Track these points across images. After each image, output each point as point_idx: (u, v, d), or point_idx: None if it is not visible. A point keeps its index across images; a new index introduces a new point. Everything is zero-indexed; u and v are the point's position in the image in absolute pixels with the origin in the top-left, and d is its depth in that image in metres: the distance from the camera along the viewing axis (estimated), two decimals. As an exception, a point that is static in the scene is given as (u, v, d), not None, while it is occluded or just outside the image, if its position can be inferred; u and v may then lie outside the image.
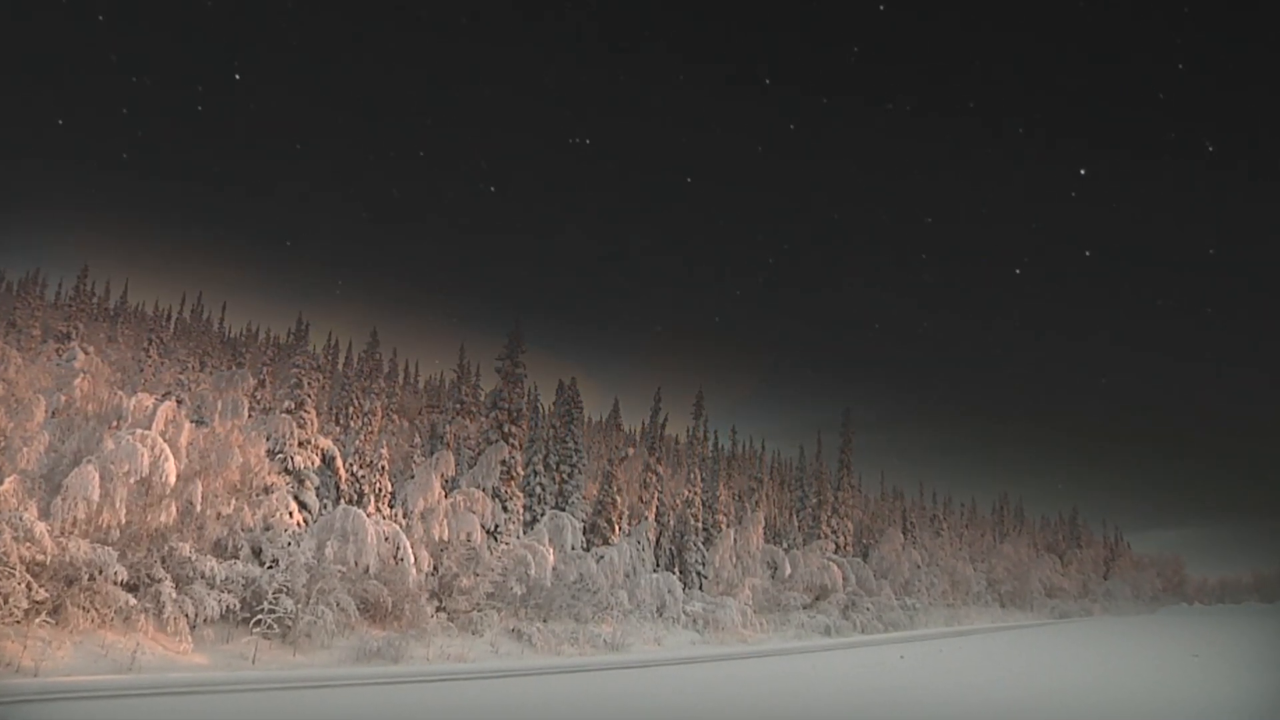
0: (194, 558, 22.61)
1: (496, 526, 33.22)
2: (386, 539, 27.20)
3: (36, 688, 16.54)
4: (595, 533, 40.91)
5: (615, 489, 42.14)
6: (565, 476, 41.91)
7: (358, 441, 34.79)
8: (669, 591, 37.60)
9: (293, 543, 25.32)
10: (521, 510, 37.05)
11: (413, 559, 27.23)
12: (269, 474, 27.02)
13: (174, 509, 23.00)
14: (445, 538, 29.78)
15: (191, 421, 26.38)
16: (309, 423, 31.31)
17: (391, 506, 31.70)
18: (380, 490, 31.89)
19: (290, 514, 26.76)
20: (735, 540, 46.22)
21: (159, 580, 21.72)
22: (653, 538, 42.27)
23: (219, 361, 48.79)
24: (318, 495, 30.84)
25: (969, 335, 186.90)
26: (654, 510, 45.49)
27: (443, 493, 31.29)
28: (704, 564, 44.41)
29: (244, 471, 26.20)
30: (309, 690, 19.08)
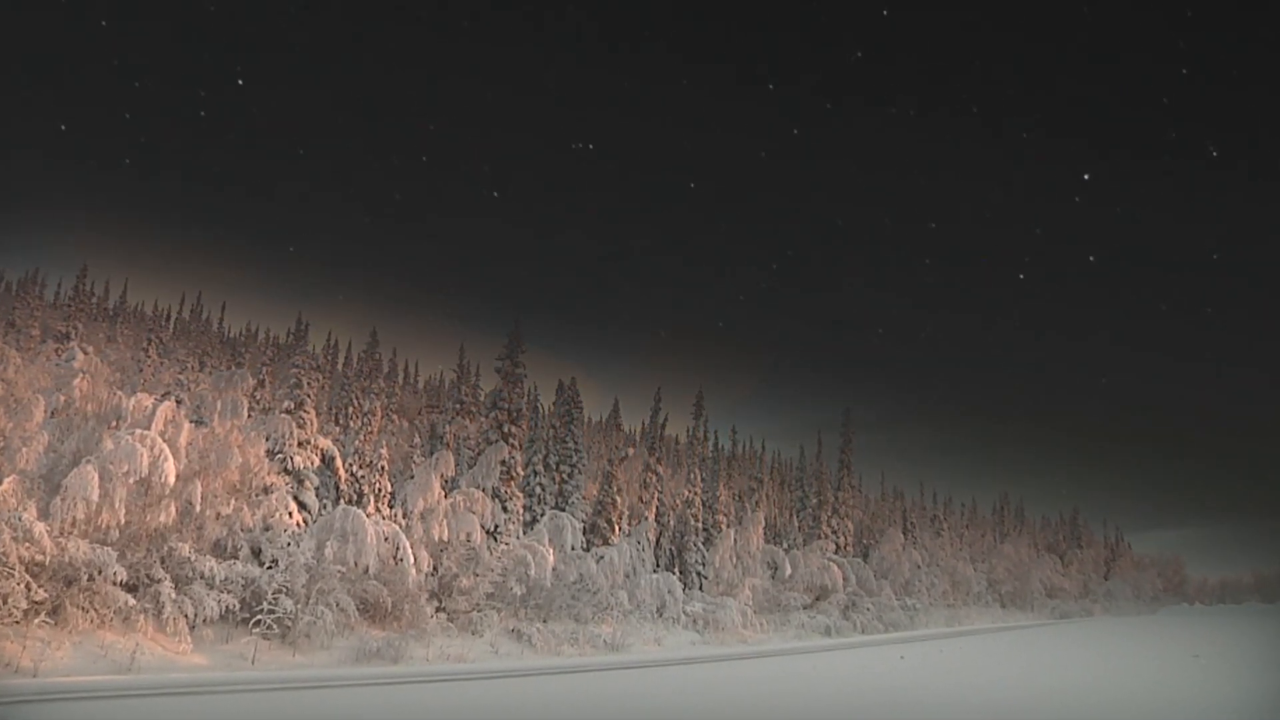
0: (193, 558, 22.58)
1: (496, 527, 33.19)
2: (386, 539, 27.17)
3: (35, 688, 16.51)
4: (595, 533, 40.88)
5: (615, 489, 42.12)
6: (565, 477, 41.88)
7: (357, 442, 34.77)
8: (669, 592, 37.58)
9: (292, 543, 25.30)
10: (521, 510, 37.02)
11: (412, 559, 27.20)
12: (268, 474, 27.00)
13: (173, 509, 22.98)
14: (445, 538, 29.75)
15: (191, 421, 26.36)
16: (308, 423, 31.29)
17: (391, 507, 31.67)
18: (380, 490, 31.86)
19: (290, 514, 26.74)
20: (735, 540, 46.20)
21: (158, 580, 21.70)
22: (653, 538, 42.24)
23: (218, 361, 48.76)
24: (317, 495, 30.81)
25: (969, 335, 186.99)
26: (654, 510, 45.46)
27: (442, 493, 31.27)
28: (704, 564, 44.38)
29: (243, 472, 26.18)
30: (308, 691, 19.06)
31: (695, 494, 46.28)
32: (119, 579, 20.59)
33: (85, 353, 38.49)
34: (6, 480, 20.26)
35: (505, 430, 37.88)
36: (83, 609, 20.08)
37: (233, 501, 25.19)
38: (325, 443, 32.37)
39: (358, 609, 25.64)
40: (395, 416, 49.31)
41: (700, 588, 43.47)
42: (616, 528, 41.62)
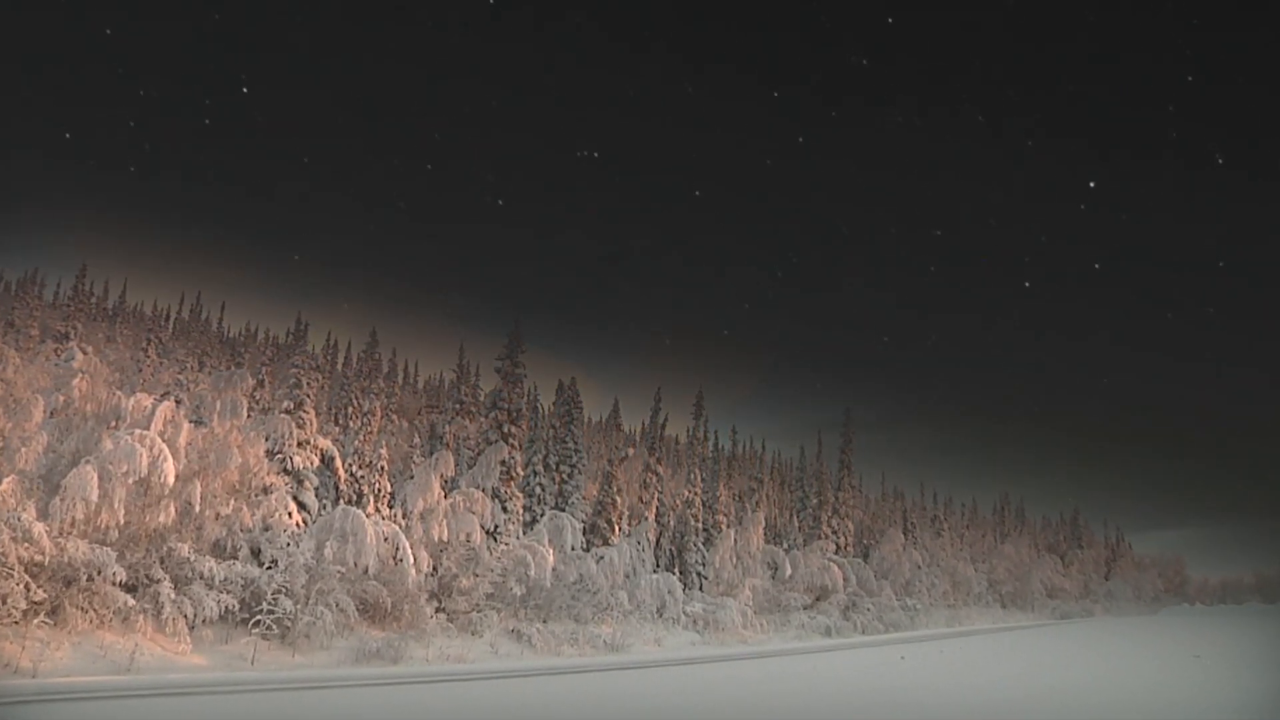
0: (193, 558, 22.55)
1: (496, 527, 33.16)
2: (386, 539, 27.15)
3: (35, 688, 16.50)
4: (595, 533, 40.85)
5: (615, 489, 42.09)
6: (565, 477, 41.85)
7: (357, 442, 34.74)
8: (669, 592, 37.54)
9: (292, 543, 25.27)
10: (521, 511, 37.00)
11: (412, 559, 27.17)
12: (268, 474, 26.97)
13: (173, 509, 22.95)
14: (445, 538, 29.72)
15: (190, 422, 26.33)
16: (308, 423, 31.26)
17: (391, 507, 31.64)
18: (379, 491, 31.83)
19: (289, 514, 26.71)
20: (735, 541, 46.17)
21: (158, 581, 21.66)
22: (653, 538, 42.21)
23: (218, 361, 48.74)
24: (317, 496, 30.78)
25: (970, 335, 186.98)
26: (654, 511, 45.43)
27: (442, 493, 31.23)
28: (704, 564, 44.35)
29: (243, 472, 26.15)
30: (308, 691, 19.03)
31: (695, 494, 46.25)
32: (118, 579, 20.56)
33: (84, 353, 38.47)
34: (6, 480, 20.23)
35: (505, 430, 37.85)
36: (82, 609, 20.05)
37: (232, 502, 25.17)
38: (325, 443, 32.35)
39: (357, 609, 25.61)
40: (395, 416, 49.29)
41: (700, 588, 43.44)
42: (616, 528, 41.59)
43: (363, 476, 32.68)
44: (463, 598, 29.50)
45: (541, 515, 37.46)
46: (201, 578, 22.54)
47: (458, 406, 42.53)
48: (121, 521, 21.77)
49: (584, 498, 43.63)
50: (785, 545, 54.14)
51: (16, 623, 18.51)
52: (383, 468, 32.39)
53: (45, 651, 18.48)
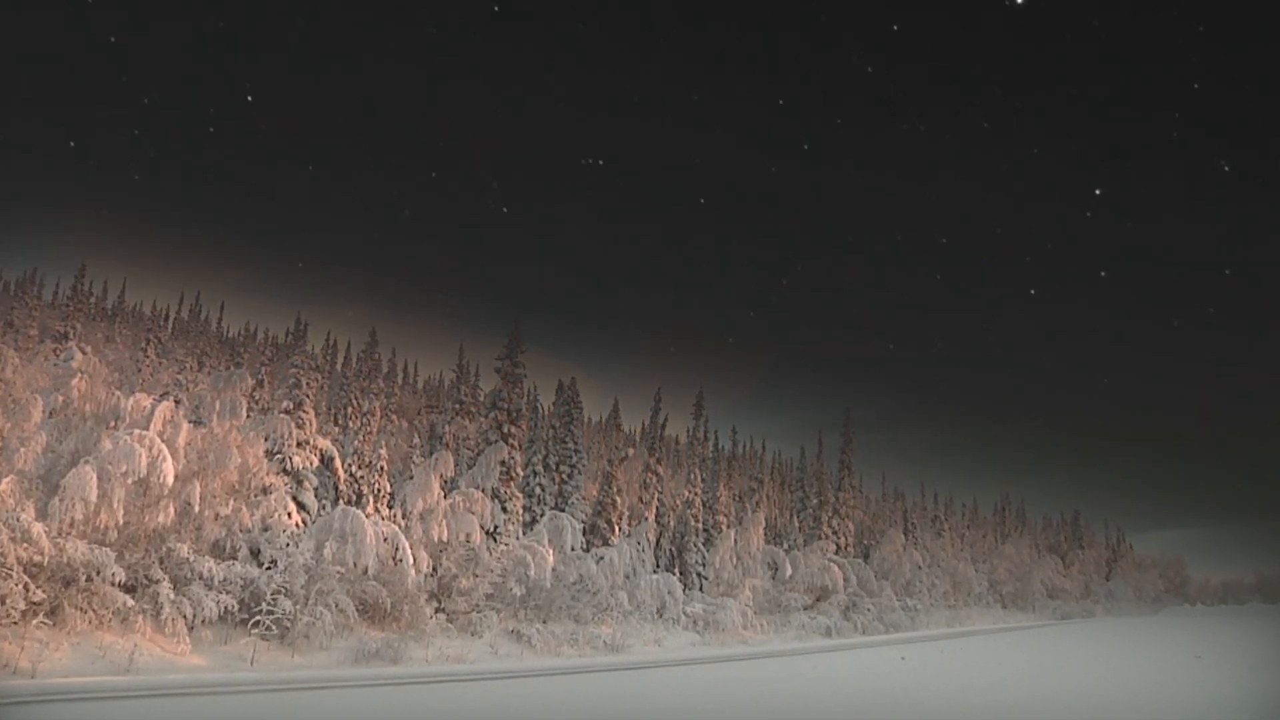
0: (192, 559, 22.52)
1: (496, 527, 33.12)
2: (385, 540, 27.11)
3: (34, 689, 16.46)
4: (595, 534, 40.81)
5: (615, 490, 42.06)
6: (565, 477, 41.81)
7: (356, 442, 34.72)
8: (669, 592, 37.50)
9: (291, 544, 25.23)
10: (521, 511, 36.96)
11: (411, 560, 27.13)
12: (267, 474, 26.93)
13: (172, 510, 22.92)
14: (444, 538, 29.68)
15: (189, 422, 26.30)
16: (307, 423, 31.23)
17: (390, 507, 31.61)
18: (379, 491, 31.80)
19: (289, 515, 26.67)
20: (736, 541, 46.13)
21: (157, 581, 21.63)
22: (653, 538, 42.17)
23: (217, 361, 48.72)
24: (316, 496, 30.75)
25: (970, 336, 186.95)
26: (654, 511, 45.39)
27: (442, 493, 31.19)
28: (704, 565, 44.31)
29: (242, 472, 26.11)
30: (307, 692, 18.99)
31: (695, 494, 46.21)
32: (117, 580, 20.52)
33: (83, 353, 38.43)
34: (4, 480, 20.20)
35: (505, 430, 37.81)
36: (81, 610, 20.02)
37: (231, 502, 25.13)
38: (324, 443, 32.32)
39: (357, 610, 25.57)
40: (394, 417, 49.27)
41: (700, 588, 43.40)
42: (616, 528, 41.55)
43: (362, 477, 32.65)
44: (462, 598, 29.47)
45: (541, 515, 37.42)
46: (201, 578, 22.51)
47: (457, 406, 42.50)
48: (120, 522, 21.74)
49: (584, 498, 43.59)
50: (785, 545, 54.10)
51: (15, 623, 18.48)
52: (382, 468, 32.36)
53: (44, 652, 18.45)
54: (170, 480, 22.55)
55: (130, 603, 20.63)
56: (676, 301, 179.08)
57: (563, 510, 38.87)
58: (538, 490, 39.76)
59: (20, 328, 45.67)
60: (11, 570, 18.64)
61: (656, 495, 45.88)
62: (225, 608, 22.50)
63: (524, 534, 35.34)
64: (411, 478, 32.56)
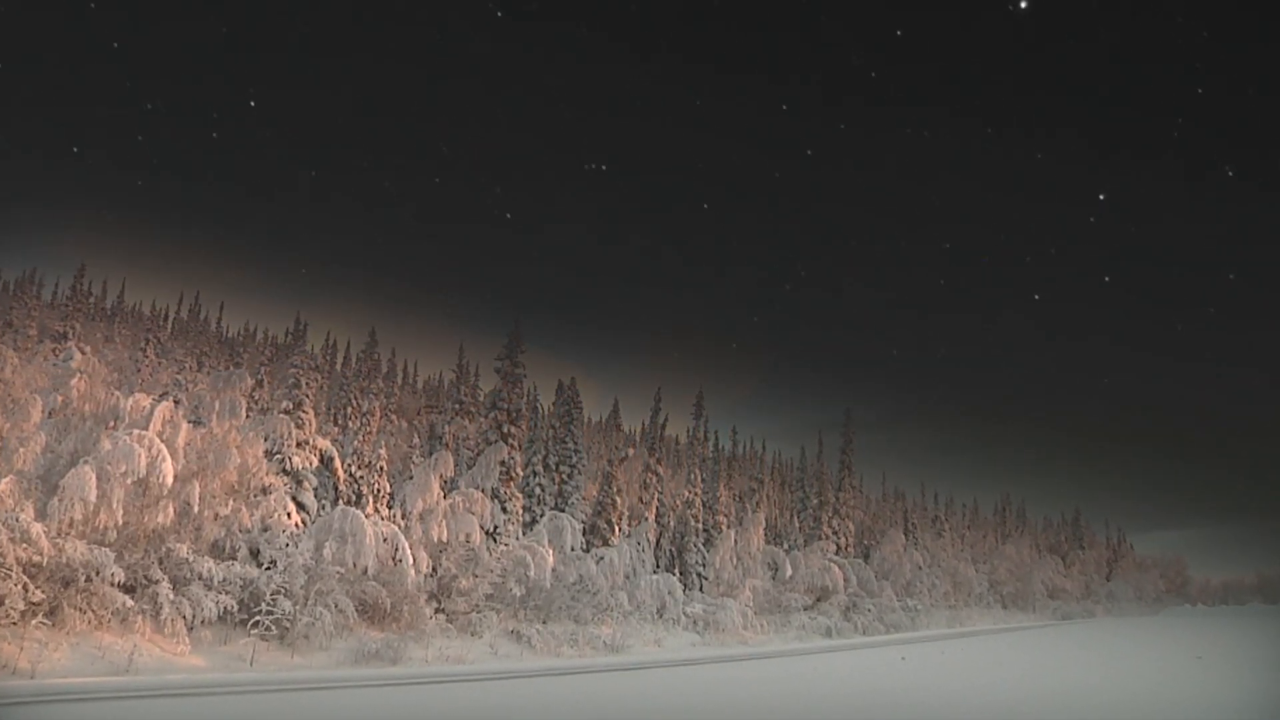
0: (191, 559, 22.49)
1: (495, 527, 33.08)
2: (385, 540, 27.07)
3: (33, 689, 16.43)
4: (595, 534, 40.78)
5: (615, 490, 42.01)
6: (565, 477, 41.78)
7: (356, 442, 34.69)
8: (669, 593, 37.46)
9: (291, 544, 25.20)
10: (521, 511, 36.92)
11: (411, 560, 27.10)
12: (267, 475, 26.89)
13: (171, 510, 22.88)
14: (444, 539, 29.64)
15: (189, 422, 26.26)
16: (307, 423, 31.19)
17: (390, 507, 31.58)
18: (379, 491, 31.77)
19: (288, 515, 26.64)
20: (736, 541, 46.09)
21: (156, 581, 21.60)
22: (653, 539, 42.13)
23: (216, 361, 48.69)
24: (316, 496, 30.71)
25: (970, 336, 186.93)
26: (654, 511, 45.35)
27: (441, 493, 31.16)
28: (704, 565, 44.27)
29: (242, 472, 26.07)
30: (307, 692, 18.96)
31: (695, 494, 46.17)
32: (117, 580, 20.49)
33: (83, 353, 38.39)
34: (3, 481, 20.17)
35: (505, 430, 37.78)
36: (80, 610, 19.99)
37: (231, 502, 25.09)
38: (324, 443, 32.28)
39: (356, 610, 25.54)
40: (394, 417, 49.23)
41: (700, 589, 43.36)
42: (616, 529, 41.51)
43: (362, 477, 32.62)
44: (462, 598, 29.43)
45: (541, 516, 37.38)
46: (200, 578, 22.48)
47: (457, 407, 42.47)
48: (120, 522, 21.70)
49: (584, 498, 43.56)
50: (786, 546, 54.06)
51: (15, 623, 18.45)
52: (382, 468, 32.32)
53: (43, 652, 18.42)
54: (169, 480, 22.51)
55: (129, 603, 20.60)
56: (677, 301, 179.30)
57: (563, 510, 38.84)
58: (538, 490, 39.72)
59: (19, 327, 45.65)
60: (11, 570, 18.61)
61: (656, 495, 45.84)
62: (225, 608, 22.47)
63: (524, 534, 35.30)
64: (411, 478, 32.53)
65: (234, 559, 24.20)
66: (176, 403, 27.65)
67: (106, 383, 33.17)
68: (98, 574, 20.26)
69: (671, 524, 45.62)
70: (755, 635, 40.77)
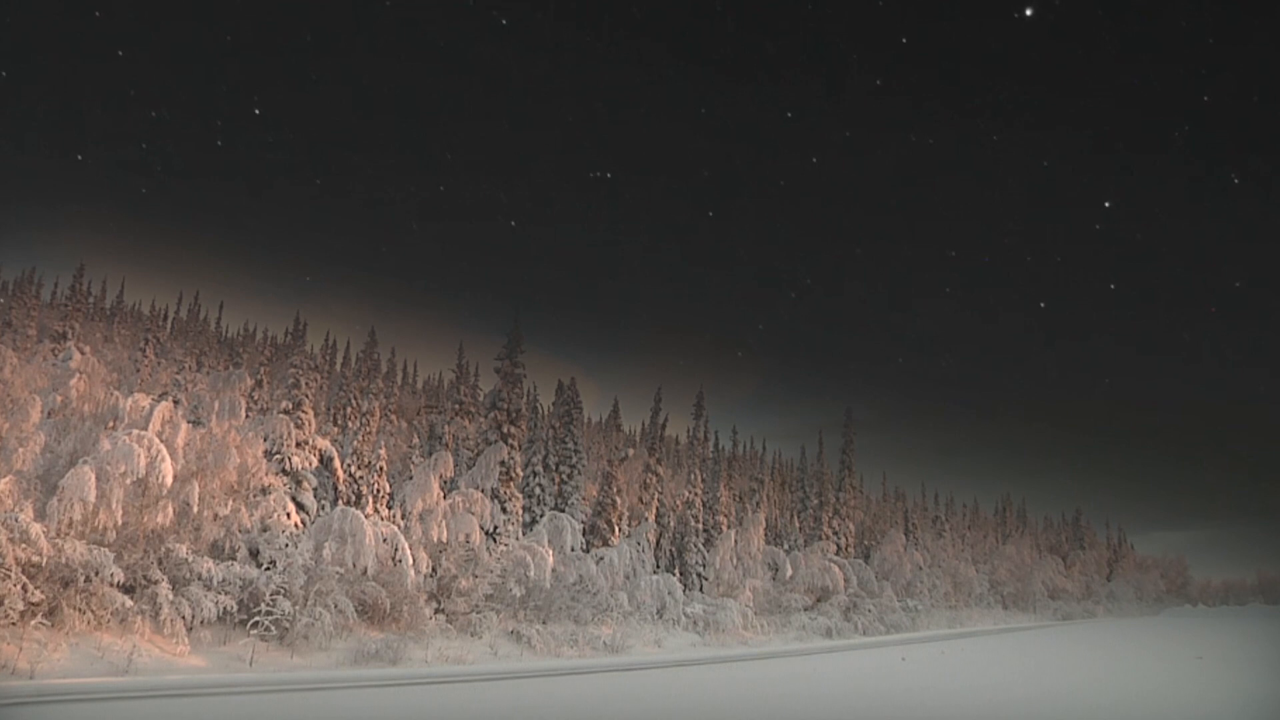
0: (191, 559, 22.46)
1: (495, 528, 33.05)
2: (384, 540, 27.04)
3: (33, 690, 16.40)
4: (595, 534, 40.75)
5: (615, 490, 41.98)
6: (565, 477, 41.74)
7: (356, 442, 34.65)
8: (669, 593, 37.43)
9: (290, 544, 25.17)
10: (520, 511, 36.88)
11: (411, 560, 27.06)
12: (266, 475, 26.87)
13: (170, 510, 22.85)
14: (444, 539, 29.61)
15: (188, 422, 26.24)
16: (306, 423, 31.17)
17: (390, 508, 31.55)
18: (378, 491, 31.73)
19: (288, 515, 26.62)
20: (736, 541, 46.05)
21: (155, 582, 21.57)
22: (653, 539, 42.10)
23: (216, 361, 48.68)
24: (315, 496, 30.70)
25: (972, 336, 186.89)
26: (654, 511, 45.31)
27: (441, 494, 31.13)
28: (704, 565, 44.23)
29: (241, 472, 26.04)
30: (306, 692, 18.92)
31: (696, 495, 46.13)
32: (116, 580, 20.46)
33: (82, 353, 38.36)
34: (3, 481, 20.15)
35: (504, 431, 37.75)
36: (80, 610, 19.96)
37: (230, 502, 25.07)
38: (323, 443, 32.26)
39: (356, 610, 25.51)
40: (394, 417, 49.18)
41: (701, 589, 43.32)
42: (616, 529, 41.48)
43: (361, 477, 32.59)
44: (462, 599, 29.40)
45: (541, 516, 37.35)
46: (200, 579, 22.45)
47: (457, 407, 42.44)
48: (119, 522, 21.67)
49: (584, 498, 43.53)
50: (786, 546, 54.02)
51: (14, 624, 18.42)
52: (381, 468, 32.28)
53: (43, 653, 18.40)
54: (169, 480, 22.48)
55: (129, 603, 20.57)
56: (677, 301, 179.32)
57: (562, 511, 38.80)
58: (537, 491, 39.69)
59: (19, 327, 45.63)
60: (10, 571, 18.58)
61: (656, 496, 45.80)
62: (224, 608, 22.44)
63: (524, 534, 35.27)
64: (411, 478, 32.50)
65: (233, 559, 24.18)
66: (176, 403, 27.63)
67: (106, 383, 33.15)
68: (97, 574, 20.23)
69: (671, 524, 45.59)
70: (755, 636, 40.73)
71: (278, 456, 29.11)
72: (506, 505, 35.75)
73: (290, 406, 31.19)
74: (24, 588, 18.68)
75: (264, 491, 26.42)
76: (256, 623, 23.05)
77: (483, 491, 32.89)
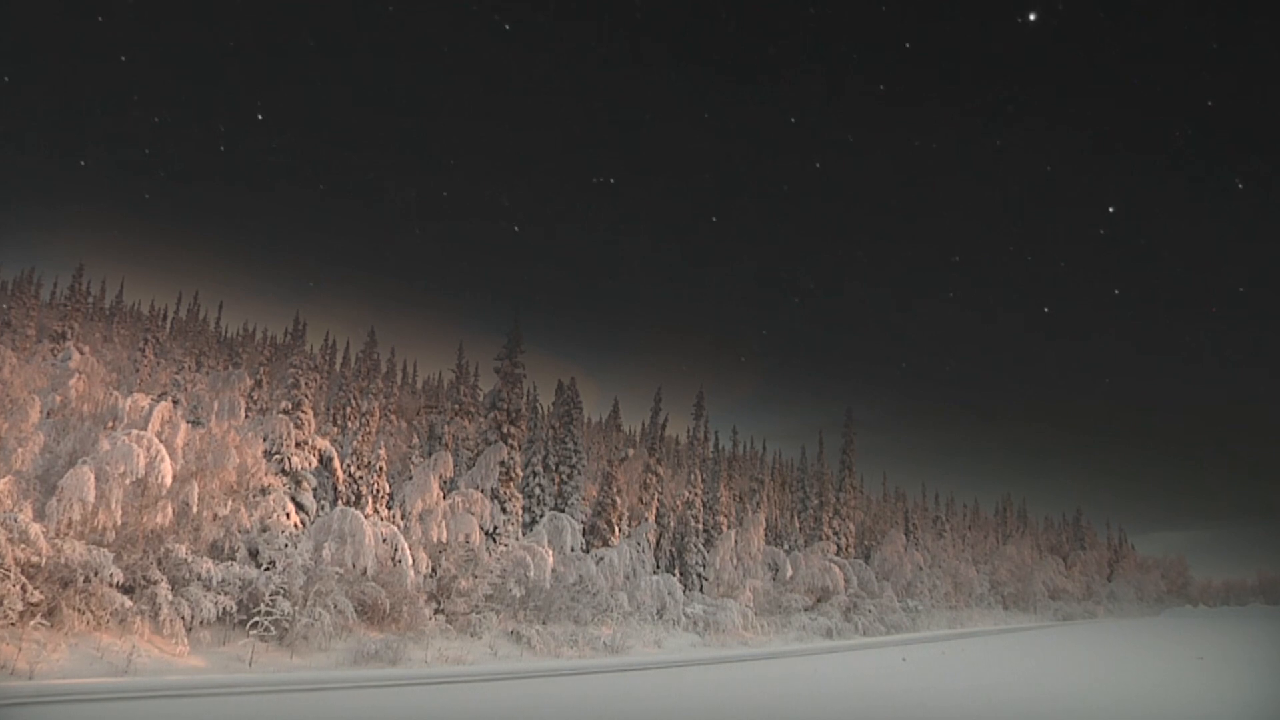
0: (190, 559, 22.43)
1: (495, 528, 33.02)
2: (384, 540, 27.01)
3: (32, 690, 16.38)
4: (595, 534, 40.71)
5: (615, 490, 41.95)
6: (565, 478, 41.71)
7: (355, 442, 34.61)
8: (669, 593, 37.39)
9: (290, 544, 25.14)
10: (520, 511, 36.85)
11: (410, 561, 27.03)
12: (266, 475, 26.83)
13: (170, 510, 22.82)
14: (443, 539, 29.58)
15: (187, 422, 26.21)
16: (306, 423, 31.13)
17: (389, 508, 31.52)
18: (378, 491, 31.70)
19: (287, 515, 26.59)
20: (736, 542, 46.01)
21: (155, 582, 21.54)
22: (653, 539, 42.06)
23: (215, 361, 48.66)
24: (315, 496, 30.66)
25: (972, 336, 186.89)
26: (654, 512, 45.28)
27: (441, 494, 31.09)
28: (704, 566, 44.20)
29: (240, 472, 26.01)
30: (306, 693, 18.89)
31: (696, 495, 46.09)
32: (115, 580, 20.43)
33: (81, 353, 38.32)
34: (2, 481, 20.12)
35: (504, 431, 37.72)
36: (79, 611, 19.93)
37: (230, 502, 25.03)
38: (323, 443, 32.23)
39: (356, 611, 25.48)
40: (393, 417, 49.14)
41: (701, 589, 43.28)
42: (616, 529, 41.45)
43: (361, 477, 32.55)
44: (461, 599, 29.36)
45: (541, 516, 37.32)
46: (199, 579, 22.42)
47: (457, 407, 42.40)
48: (118, 522, 21.64)
49: (584, 499, 43.49)
50: (786, 546, 53.98)
51: (13, 624, 18.40)
52: (381, 468, 32.25)
53: (42, 653, 18.37)
54: (168, 481, 22.45)
55: (128, 604, 20.54)
56: (677, 302, 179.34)
57: (562, 511, 38.77)
58: (537, 491, 39.65)
59: (18, 327, 45.60)
60: (9, 571, 18.55)
61: (657, 496, 45.77)
62: (223, 609, 22.41)
63: (523, 535, 35.24)
64: (410, 478, 32.46)
65: (233, 559, 24.14)
66: (175, 403, 27.61)
67: (105, 383, 33.12)
68: (96, 574, 20.20)
69: (672, 524, 45.55)
70: (755, 636, 40.69)
71: (277, 457, 29.08)
72: (506, 505, 35.72)
73: (290, 406, 31.16)
74: (23, 588, 18.65)
75: (263, 492, 26.39)
76: (256, 623, 23.02)
77: (482, 492, 32.85)
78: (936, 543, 74.07)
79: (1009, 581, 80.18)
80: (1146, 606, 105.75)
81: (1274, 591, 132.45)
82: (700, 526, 45.59)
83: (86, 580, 20.18)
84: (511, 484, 36.72)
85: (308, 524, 28.00)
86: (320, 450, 31.88)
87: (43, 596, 19.17)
